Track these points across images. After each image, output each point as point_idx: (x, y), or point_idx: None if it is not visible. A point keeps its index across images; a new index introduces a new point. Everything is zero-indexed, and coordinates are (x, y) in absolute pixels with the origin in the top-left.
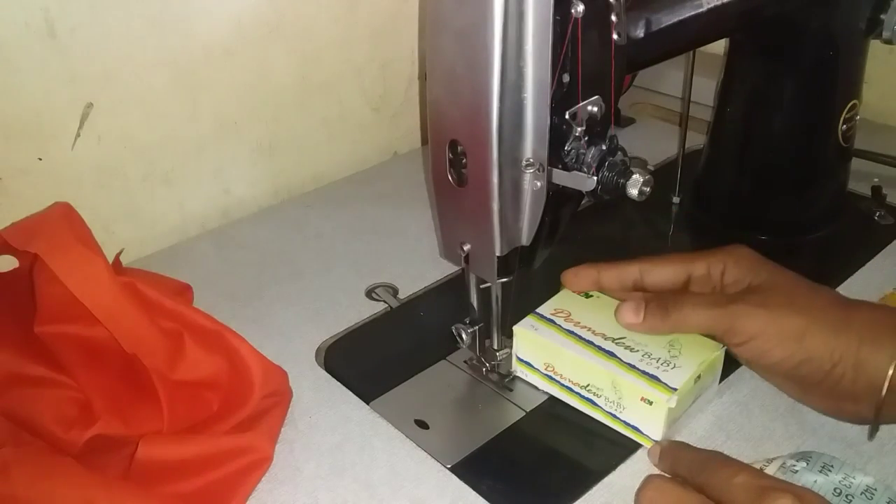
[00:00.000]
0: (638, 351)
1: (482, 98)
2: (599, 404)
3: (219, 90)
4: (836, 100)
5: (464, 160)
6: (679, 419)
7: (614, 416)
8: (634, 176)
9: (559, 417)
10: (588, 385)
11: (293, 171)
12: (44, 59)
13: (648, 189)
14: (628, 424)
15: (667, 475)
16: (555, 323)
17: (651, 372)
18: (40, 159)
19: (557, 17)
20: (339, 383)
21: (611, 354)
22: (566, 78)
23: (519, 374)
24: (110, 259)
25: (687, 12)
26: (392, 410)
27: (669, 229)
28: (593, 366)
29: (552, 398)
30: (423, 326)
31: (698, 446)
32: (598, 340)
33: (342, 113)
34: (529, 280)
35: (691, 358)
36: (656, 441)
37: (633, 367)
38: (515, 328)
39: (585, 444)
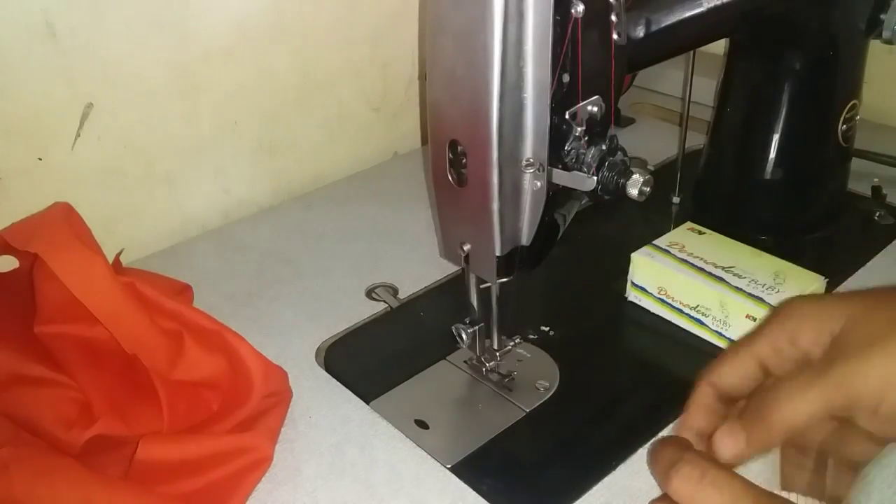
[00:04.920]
0: (745, 278)
1: (482, 98)
2: (707, 323)
3: (219, 90)
4: (836, 100)
5: (464, 160)
6: None
7: (720, 334)
8: (634, 176)
9: (559, 417)
10: (697, 306)
11: (293, 171)
12: (44, 59)
13: (648, 189)
14: (732, 342)
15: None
16: (670, 252)
17: (757, 294)
18: (40, 159)
19: (557, 17)
20: (339, 383)
21: (720, 279)
22: (566, 78)
23: (632, 298)
24: (110, 259)
25: (687, 12)
26: (392, 410)
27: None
28: (703, 287)
29: (552, 398)
30: (423, 326)
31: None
32: (709, 268)
33: (342, 113)
34: (529, 280)
35: (794, 285)
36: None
37: (740, 289)
38: (634, 255)
39: (586, 443)
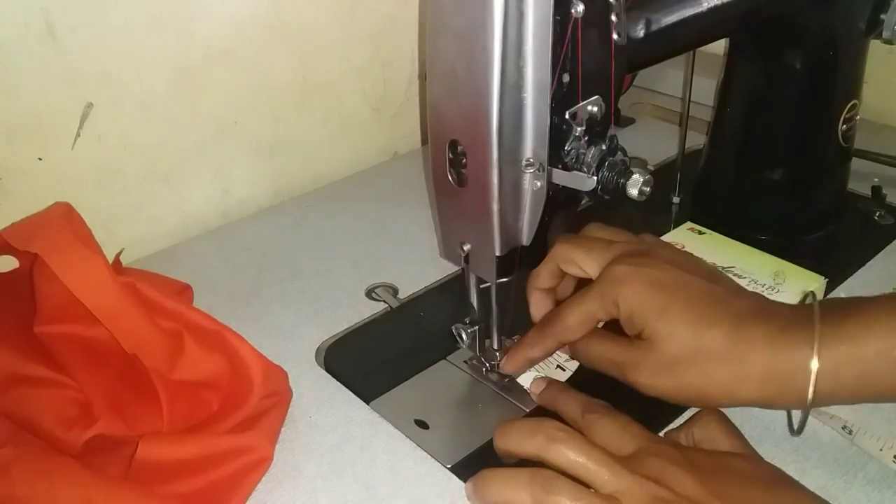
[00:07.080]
0: (745, 277)
1: (482, 98)
2: None
3: (219, 90)
4: (836, 100)
5: (464, 160)
6: None
7: None
8: (634, 176)
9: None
10: None
11: (293, 171)
12: (44, 59)
13: (648, 189)
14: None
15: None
16: None
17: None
18: (40, 159)
19: (557, 17)
20: (339, 383)
21: None
22: (566, 78)
23: None
24: (110, 259)
25: (687, 12)
26: (392, 410)
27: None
28: None
29: None
30: (423, 326)
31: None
32: None
33: (342, 113)
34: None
35: (794, 286)
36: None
37: None
38: None
39: None
